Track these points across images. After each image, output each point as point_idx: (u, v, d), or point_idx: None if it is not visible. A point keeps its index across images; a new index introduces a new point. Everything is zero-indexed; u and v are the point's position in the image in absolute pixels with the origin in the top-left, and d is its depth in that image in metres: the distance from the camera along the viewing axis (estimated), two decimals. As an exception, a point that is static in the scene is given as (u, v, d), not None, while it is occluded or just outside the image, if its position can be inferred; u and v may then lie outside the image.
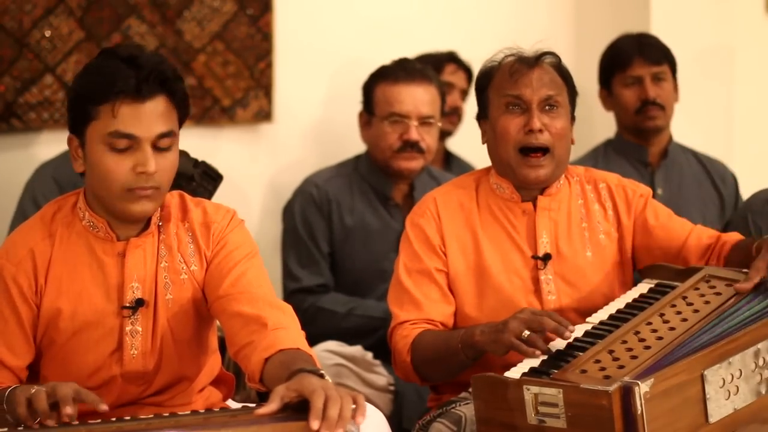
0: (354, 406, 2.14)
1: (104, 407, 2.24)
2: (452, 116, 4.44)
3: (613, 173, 3.08)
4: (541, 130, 2.86)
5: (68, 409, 2.21)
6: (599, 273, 2.94)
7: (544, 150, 2.88)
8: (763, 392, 2.58)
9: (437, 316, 2.90)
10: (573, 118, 2.98)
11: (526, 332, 2.61)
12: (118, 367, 2.55)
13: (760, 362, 2.57)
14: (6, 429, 2.27)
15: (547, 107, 2.89)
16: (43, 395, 2.23)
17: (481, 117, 2.99)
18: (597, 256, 2.95)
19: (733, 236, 2.97)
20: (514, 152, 2.89)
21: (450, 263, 2.93)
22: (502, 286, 2.90)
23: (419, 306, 2.90)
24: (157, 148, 2.47)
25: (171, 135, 2.50)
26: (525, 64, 2.90)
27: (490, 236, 2.93)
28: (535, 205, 2.94)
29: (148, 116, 2.46)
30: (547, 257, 2.91)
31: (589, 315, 2.79)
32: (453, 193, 3.00)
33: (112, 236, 2.55)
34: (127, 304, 2.54)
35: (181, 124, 2.54)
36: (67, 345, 2.54)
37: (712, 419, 2.48)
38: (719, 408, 2.50)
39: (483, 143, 2.99)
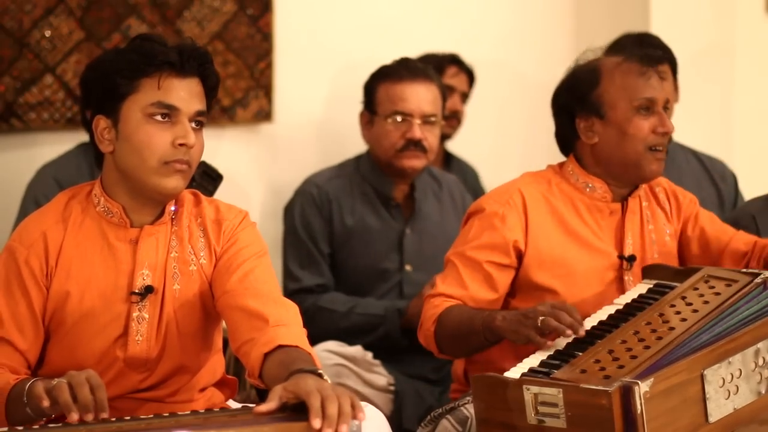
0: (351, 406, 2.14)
1: (104, 416, 2.23)
2: (452, 120, 4.44)
3: (661, 178, 3.15)
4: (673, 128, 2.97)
5: (89, 416, 2.21)
6: None
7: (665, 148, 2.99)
8: (763, 392, 2.59)
9: (480, 296, 2.91)
10: None
11: (541, 318, 2.63)
12: (122, 352, 2.55)
13: (760, 362, 2.58)
14: (6, 429, 2.28)
15: (666, 108, 2.98)
16: (66, 388, 2.22)
17: (588, 113, 2.97)
18: (663, 257, 3.01)
19: None
20: (645, 151, 2.94)
21: (530, 258, 2.93)
22: (588, 284, 2.92)
23: (464, 286, 2.91)
24: (192, 125, 2.52)
25: (205, 114, 2.55)
26: (649, 64, 2.95)
27: (580, 236, 2.96)
28: (623, 207, 2.99)
29: (189, 92, 2.52)
30: (632, 258, 2.95)
31: None
32: (538, 185, 3.01)
33: (126, 222, 2.57)
34: (136, 290, 2.55)
35: (208, 110, 2.58)
36: (74, 329, 2.55)
37: (712, 419, 2.48)
38: (719, 408, 2.50)
39: (588, 141, 2.97)
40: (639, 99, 2.93)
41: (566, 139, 3.04)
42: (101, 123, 2.54)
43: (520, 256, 2.94)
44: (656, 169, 2.96)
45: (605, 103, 2.95)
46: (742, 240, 3.07)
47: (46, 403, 2.23)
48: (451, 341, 2.88)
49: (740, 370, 2.54)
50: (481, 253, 2.92)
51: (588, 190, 2.99)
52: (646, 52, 2.98)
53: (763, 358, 2.58)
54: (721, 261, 3.04)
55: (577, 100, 2.98)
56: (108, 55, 2.59)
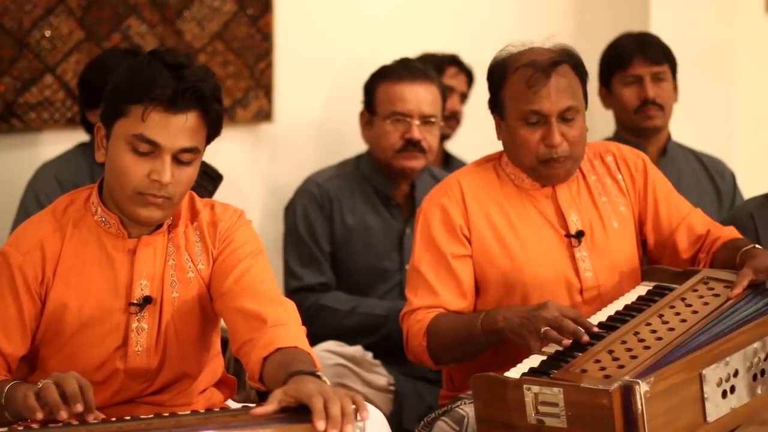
0: (354, 405, 2.14)
1: (91, 418, 2.24)
2: (451, 120, 4.43)
3: (608, 142, 3.10)
4: (560, 142, 2.86)
5: (79, 407, 2.21)
6: (628, 243, 2.97)
7: (563, 158, 2.88)
8: (760, 392, 2.59)
9: (452, 305, 2.89)
10: (586, 105, 2.95)
11: (544, 328, 2.63)
12: (122, 363, 2.55)
13: (756, 361, 2.58)
14: (6, 429, 2.27)
15: (564, 118, 2.86)
16: (54, 388, 2.22)
17: (495, 110, 2.94)
18: (622, 226, 2.97)
19: (726, 232, 3.01)
20: (536, 162, 2.88)
21: (476, 244, 2.91)
22: (539, 265, 2.89)
23: (435, 293, 2.89)
24: (177, 160, 2.47)
25: (194, 151, 2.49)
26: (542, 73, 2.83)
27: (522, 217, 2.93)
28: (555, 189, 2.95)
29: (176, 128, 2.45)
30: (580, 234, 2.91)
31: (624, 287, 2.84)
32: (475, 173, 2.98)
33: (124, 233, 2.56)
34: (135, 301, 2.54)
35: (209, 141, 2.54)
36: (73, 339, 2.54)
37: (711, 418, 2.49)
38: (717, 407, 2.50)
39: (498, 138, 2.96)
40: (524, 110, 2.85)
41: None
42: (101, 131, 2.53)
43: (469, 242, 2.92)
44: (548, 174, 2.89)
45: (505, 108, 2.90)
46: (700, 222, 3.02)
47: (40, 415, 2.22)
48: (448, 350, 2.86)
49: (737, 369, 2.54)
50: (441, 245, 2.90)
51: (518, 181, 2.96)
52: (540, 61, 2.83)
53: (759, 358, 2.58)
54: (674, 238, 2.99)
55: (491, 95, 2.94)
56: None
